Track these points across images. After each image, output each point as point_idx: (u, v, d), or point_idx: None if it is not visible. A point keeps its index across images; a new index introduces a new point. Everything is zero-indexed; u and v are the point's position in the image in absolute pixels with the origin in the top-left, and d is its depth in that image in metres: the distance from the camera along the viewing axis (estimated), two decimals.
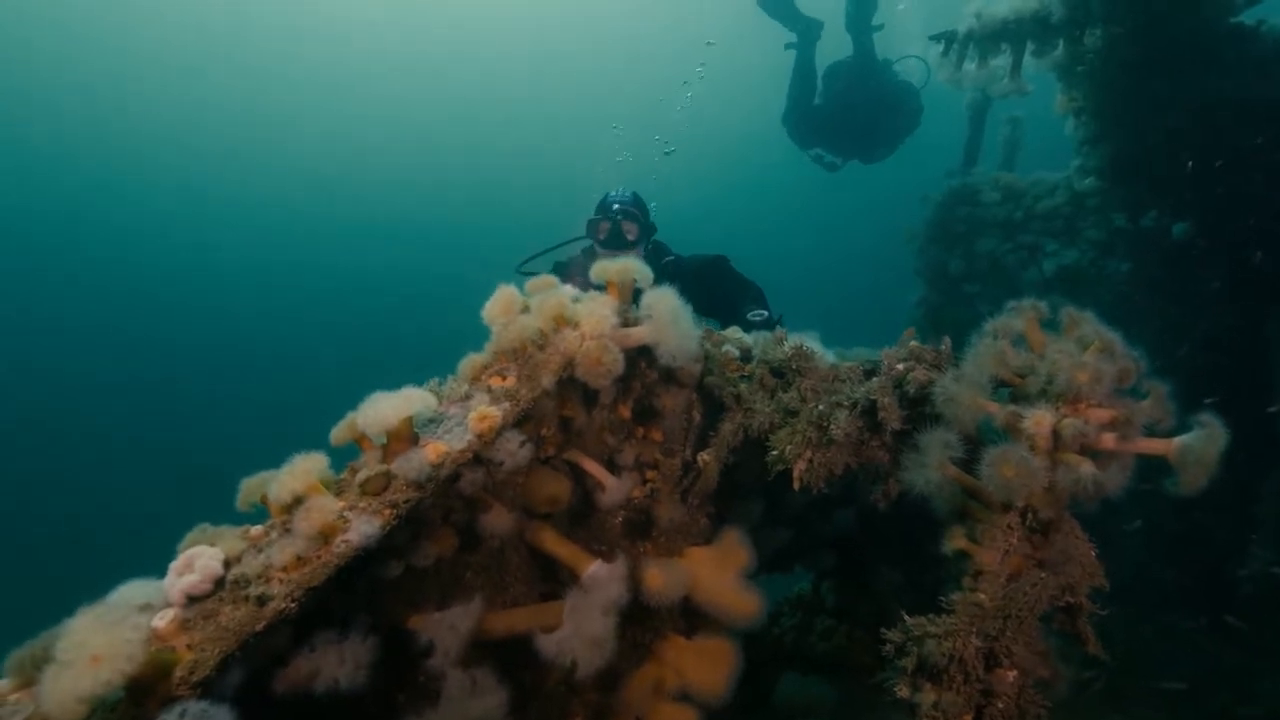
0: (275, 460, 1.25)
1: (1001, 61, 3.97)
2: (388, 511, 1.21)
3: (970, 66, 4.05)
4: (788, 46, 7.46)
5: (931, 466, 1.37)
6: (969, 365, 1.48)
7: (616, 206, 3.67)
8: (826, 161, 7.48)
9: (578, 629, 1.51)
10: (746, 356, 2.18)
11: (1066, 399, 1.33)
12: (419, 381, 1.60)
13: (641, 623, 1.95)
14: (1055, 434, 1.31)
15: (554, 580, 1.90)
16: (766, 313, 3.20)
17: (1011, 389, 1.51)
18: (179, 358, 22.81)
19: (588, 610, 1.53)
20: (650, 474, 2.01)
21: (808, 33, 7.29)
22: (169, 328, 23.69)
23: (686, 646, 1.94)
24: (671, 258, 3.80)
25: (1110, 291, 5.13)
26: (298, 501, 1.19)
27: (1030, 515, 1.34)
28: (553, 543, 1.72)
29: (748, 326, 3.40)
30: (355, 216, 28.22)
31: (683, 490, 1.92)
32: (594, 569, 1.68)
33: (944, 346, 1.64)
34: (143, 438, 19.42)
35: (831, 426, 1.63)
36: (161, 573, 1.21)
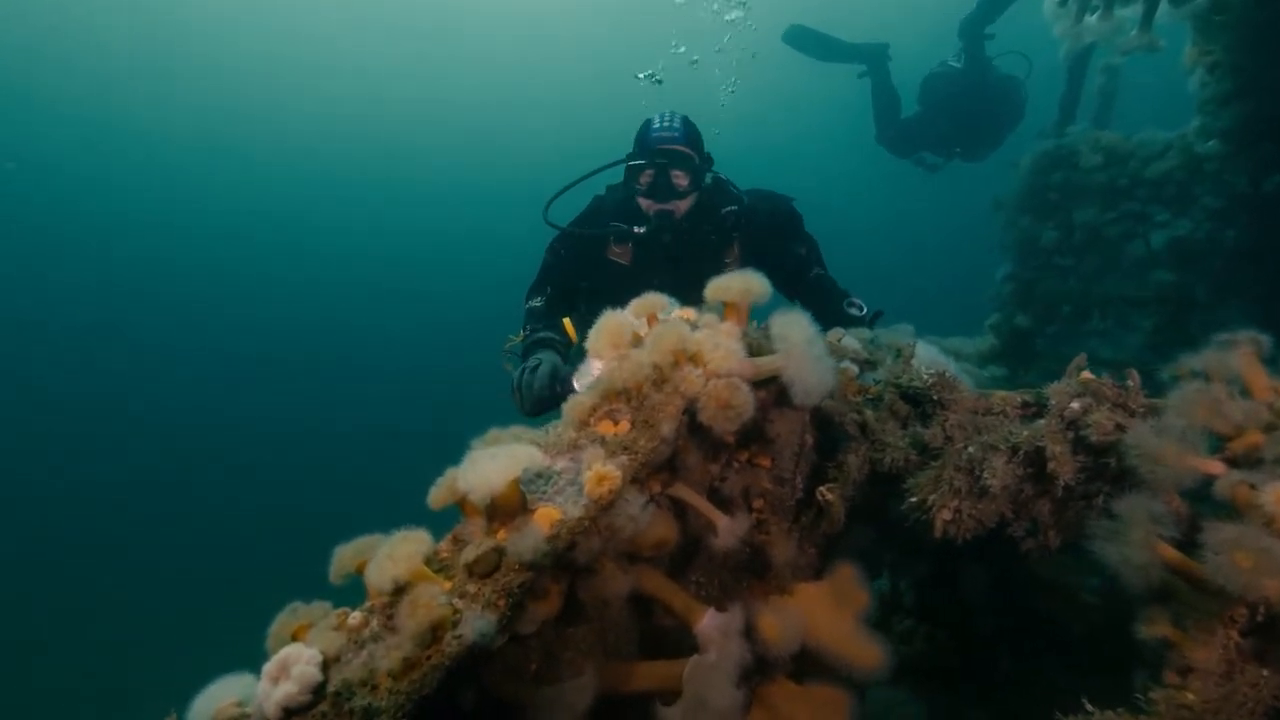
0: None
1: (1130, 12, 3.52)
2: (501, 602, 1.04)
3: (1091, 19, 3.60)
4: (861, 76, 7.27)
5: (1136, 544, 1.14)
6: (1174, 414, 1.23)
7: (663, 147, 2.95)
8: (929, 163, 7.22)
9: (703, 700, 1.35)
10: (863, 369, 1.96)
11: None
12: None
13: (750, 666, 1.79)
14: None
15: (651, 619, 1.75)
16: (865, 307, 2.91)
17: (1224, 441, 1.26)
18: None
19: (713, 678, 1.36)
20: (757, 503, 1.82)
21: (874, 59, 7.09)
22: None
23: (798, 694, 1.76)
24: (733, 208, 3.17)
25: (1221, 261, 4.67)
26: (399, 590, 1.03)
27: (1262, 609, 1.11)
28: (666, 592, 1.55)
29: (824, 314, 3.10)
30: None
31: (802, 529, 1.73)
32: (707, 622, 1.51)
33: (1131, 382, 1.38)
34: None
35: (985, 474, 1.41)
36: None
